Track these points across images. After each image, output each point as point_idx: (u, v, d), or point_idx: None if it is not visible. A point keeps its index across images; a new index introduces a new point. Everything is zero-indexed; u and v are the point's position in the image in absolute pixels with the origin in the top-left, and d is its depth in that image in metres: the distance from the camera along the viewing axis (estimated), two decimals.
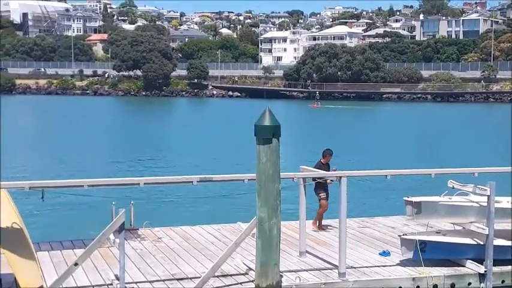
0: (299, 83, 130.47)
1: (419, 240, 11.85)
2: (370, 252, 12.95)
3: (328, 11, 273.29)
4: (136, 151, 40.96)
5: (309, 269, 11.67)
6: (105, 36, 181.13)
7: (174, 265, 11.88)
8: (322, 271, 11.58)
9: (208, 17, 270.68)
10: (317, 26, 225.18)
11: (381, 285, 11.22)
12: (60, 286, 10.14)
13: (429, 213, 12.36)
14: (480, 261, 11.78)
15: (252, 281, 10.67)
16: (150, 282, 10.91)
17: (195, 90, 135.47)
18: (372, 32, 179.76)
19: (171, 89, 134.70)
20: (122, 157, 38.11)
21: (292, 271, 11.48)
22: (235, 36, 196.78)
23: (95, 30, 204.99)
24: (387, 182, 13.20)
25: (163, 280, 10.99)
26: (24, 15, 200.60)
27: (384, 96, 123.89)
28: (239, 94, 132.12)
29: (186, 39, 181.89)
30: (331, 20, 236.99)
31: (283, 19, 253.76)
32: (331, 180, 14.00)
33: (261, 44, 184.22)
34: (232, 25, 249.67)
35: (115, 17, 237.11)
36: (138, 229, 14.39)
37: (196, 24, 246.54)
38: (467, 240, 12.14)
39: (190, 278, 11.02)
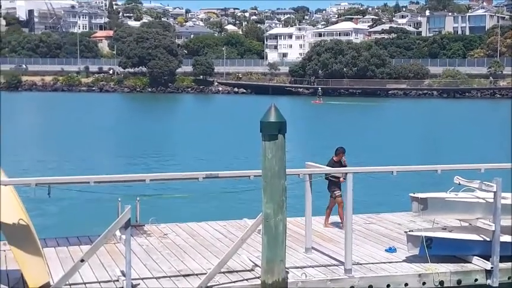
0: (305, 80, 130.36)
1: (425, 236, 11.82)
2: (376, 248, 12.93)
3: (334, 7, 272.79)
4: (142, 147, 41.01)
5: (315, 265, 11.67)
6: (110, 33, 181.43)
7: (180, 261, 11.89)
8: (328, 267, 11.57)
9: (213, 13, 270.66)
10: (323, 22, 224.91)
11: (387, 282, 11.20)
12: (67, 282, 10.16)
13: (435, 210, 12.32)
14: (486, 257, 11.74)
15: (258, 278, 10.67)
16: (156, 278, 10.93)
17: (201, 87, 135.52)
18: (378, 28, 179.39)
19: (176, 85, 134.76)
20: (128, 153, 38.16)
21: (298, 267, 11.47)
22: (240, 32, 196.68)
23: (101, 27, 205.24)
24: (393, 178, 13.17)
25: (170, 276, 11.00)
26: (30, 12, 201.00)
27: (390, 92, 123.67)
28: (244, 90, 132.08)
29: (192, 35, 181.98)
30: (336, 16, 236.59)
31: (288, 15, 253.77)
32: (344, 178, 14.04)
33: (266, 41, 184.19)
34: (237, 21, 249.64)
35: (120, 13, 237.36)
36: (144, 225, 14.41)
37: (202, 20, 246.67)
38: (474, 237, 12.11)
39: (196, 275, 11.03)
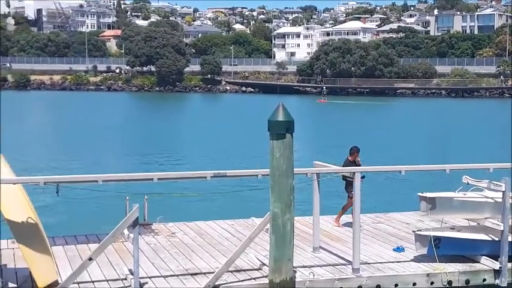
0: (312, 79, 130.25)
1: (433, 236, 11.78)
2: (384, 248, 12.90)
3: (342, 6, 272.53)
4: (150, 146, 41.09)
5: (323, 265, 11.65)
6: (118, 32, 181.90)
7: (188, 260, 11.90)
8: (336, 267, 11.55)
9: (221, 12, 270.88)
10: (331, 22, 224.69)
11: (395, 281, 11.18)
12: (75, 280, 10.18)
13: (444, 209, 12.28)
14: (495, 257, 11.69)
15: (266, 277, 10.67)
16: (164, 277, 10.94)
17: (209, 86, 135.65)
18: (386, 27, 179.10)
19: (184, 84, 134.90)
20: (136, 152, 38.24)
21: (306, 266, 11.46)
22: (248, 31, 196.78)
23: (109, 26, 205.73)
24: (401, 177, 13.16)
25: (177, 275, 11.01)
26: (39, 11, 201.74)
27: (398, 91, 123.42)
28: (252, 90, 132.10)
29: (200, 35, 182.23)
30: (344, 15, 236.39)
31: (296, 14, 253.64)
32: (362, 177, 14.03)
33: (274, 40, 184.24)
34: (245, 21, 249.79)
35: (128, 12, 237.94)
36: (152, 224, 14.42)
37: (210, 19, 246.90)
38: (482, 236, 12.06)
39: (204, 273, 11.03)
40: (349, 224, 14.59)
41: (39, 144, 43.11)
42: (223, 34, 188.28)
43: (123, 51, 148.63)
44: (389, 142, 44.35)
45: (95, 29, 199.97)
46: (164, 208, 17.21)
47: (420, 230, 12.33)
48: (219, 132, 51.45)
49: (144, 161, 34.14)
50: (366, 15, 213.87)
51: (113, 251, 12.03)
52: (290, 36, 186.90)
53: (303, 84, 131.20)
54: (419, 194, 12.34)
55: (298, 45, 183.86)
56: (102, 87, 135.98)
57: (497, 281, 11.59)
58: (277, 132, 10.12)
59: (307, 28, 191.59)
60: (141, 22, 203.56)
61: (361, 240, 11.64)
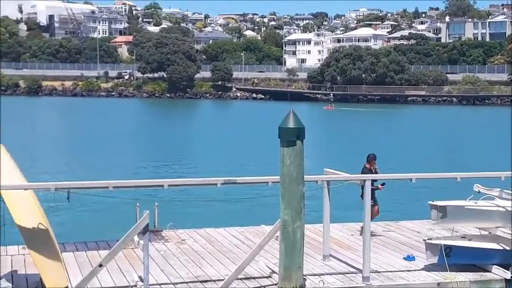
0: (323, 86, 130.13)
1: (444, 244, 11.73)
2: (395, 256, 12.84)
3: (353, 13, 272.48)
4: (160, 153, 41.17)
5: (333, 273, 11.62)
6: (130, 38, 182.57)
7: (198, 267, 11.89)
8: (346, 275, 11.52)
9: (232, 19, 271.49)
10: (341, 28, 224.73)
11: None
12: (85, 287, 10.20)
13: (455, 218, 12.22)
14: (506, 266, 11.62)
15: (276, 284, 10.65)
16: (174, 284, 10.94)
17: (219, 92, 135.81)
18: (397, 34, 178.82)
19: (195, 91, 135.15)
20: (147, 159, 38.32)
21: (315, 275, 11.43)
22: (259, 38, 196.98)
23: (120, 32, 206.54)
24: (412, 185, 13.10)
25: (187, 282, 11.01)
26: (51, 17, 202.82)
27: (409, 99, 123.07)
28: (263, 96, 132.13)
29: (211, 41, 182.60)
30: (355, 22, 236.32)
31: (307, 21, 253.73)
32: (383, 184, 13.97)
33: (285, 46, 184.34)
34: (256, 27, 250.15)
35: (140, 19, 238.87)
36: (162, 231, 14.42)
37: (221, 26, 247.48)
38: (493, 245, 11.99)
39: (214, 281, 11.02)
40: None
41: (50, 150, 43.28)
42: (234, 40, 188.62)
43: (134, 57, 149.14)
44: (400, 150, 44.21)
45: (107, 35, 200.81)
46: (174, 215, 17.22)
47: (431, 239, 12.27)
48: (230, 139, 51.49)
49: (155, 168, 34.21)
50: (377, 22, 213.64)
51: (123, 258, 12.04)
52: (301, 42, 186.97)
53: (314, 91, 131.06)
54: (430, 202, 12.29)
55: (309, 51, 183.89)
56: (113, 93, 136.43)
57: None
58: (287, 139, 10.12)
59: (318, 35, 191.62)
60: (152, 28, 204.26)
61: (371, 248, 11.60)
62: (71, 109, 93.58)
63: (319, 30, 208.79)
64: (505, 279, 11.54)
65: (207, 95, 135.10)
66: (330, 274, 11.52)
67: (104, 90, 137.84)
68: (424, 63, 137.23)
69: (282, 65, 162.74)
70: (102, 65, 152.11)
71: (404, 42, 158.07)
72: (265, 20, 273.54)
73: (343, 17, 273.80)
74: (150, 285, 10.37)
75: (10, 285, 10.61)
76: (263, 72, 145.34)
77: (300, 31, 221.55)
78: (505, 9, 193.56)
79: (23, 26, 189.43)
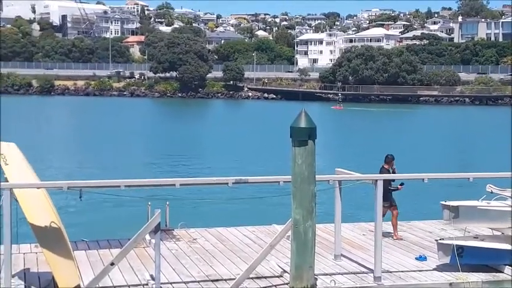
0: (334, 86, 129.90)
1: (456, 245, 11.68)
2: (407, 256, 12.80)
3: (365, 13, 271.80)
4: (172, 152, 41.24)
5: (344, 273, 11.60)
6: (142, 38, 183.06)
7: (209, 266, 11.90)
8: (357, 275, 11.49)
9: (244, 19, 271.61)
10: (353, 28, 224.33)
11: None
12: (97, 285, 10.24)
13: (467, 218, 12.18)
14: None
15: (287, 284, 10.64)
16: (185, 283, 10.95)
17: (231, 92, 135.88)
18: (409, 34, 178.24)
19: (206, 90, 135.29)
20: (158, 158, 38.41)
21: (327, 274, 11.41)
22: (271, 38, 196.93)
23: (132, 32, 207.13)
24: (424, 185, 13.05)
25: (198, 281, 11.02)
26: (64, 17, 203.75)
27: (421, 99, 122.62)
28: (274, 96, 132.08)
29: (222, 41, 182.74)
30: (367, 22, 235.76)
31: (319, 21, 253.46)
32: (401, 184, 13.89)
33: (296, 46, 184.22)
34: (268, 27, 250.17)
35: (152, 19, 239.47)
36: (173, 230, 14.45)
37: (233, 26, 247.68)
38: (506, 246, 11.93)
39: (225, 280, 11.03)
40: (386, 234, 14.32)
41: (63, 148, 43.47)
42: (246, 40, 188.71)
43: (146, 57, 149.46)
44: (412, 149, 44.04)
45: (119, 35, 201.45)
46: (186, 214, 17.25)
47: (443, 239, 12.22)
48: (241, 138, 51.51)
49: (166, 167, 34.28)
50: (389, 22, 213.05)
51: (134, 257, 12.07)
52: (313, 42, 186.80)
53: (325, 91, 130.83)
54: (442, 202, 12.25)
55: (321, 51, 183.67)
56: (125, 92, 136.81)
57: None
58: (299, 139, 10.11)
59: (330, 35, 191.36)
60: (164, 28, 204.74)
61: (383, 248, 11.57)
62: (83, 108, 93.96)
63: (331, 30, 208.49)
64: None
65: (219, 94, 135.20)
66: (341, 274, 11.51)
67: (115, 90, 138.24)
68: (437, 64, 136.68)
69: (293, 65, 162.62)
70: (114, 65, 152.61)
71: (417, 42, 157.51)
72: (277, 20, 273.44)
73: (355, 17, 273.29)
74: (162, 284, 10.40)
75: (23, 283, 10.67)
76: (274, 71, 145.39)
77: (311, 31, 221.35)
78: None
79: (35, 26, 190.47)
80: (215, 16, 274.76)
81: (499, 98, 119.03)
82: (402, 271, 11.77)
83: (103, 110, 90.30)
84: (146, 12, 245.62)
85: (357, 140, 51.62)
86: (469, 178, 12.15)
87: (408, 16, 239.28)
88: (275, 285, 10.82)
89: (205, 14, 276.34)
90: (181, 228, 14.64)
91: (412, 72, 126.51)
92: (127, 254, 10.44)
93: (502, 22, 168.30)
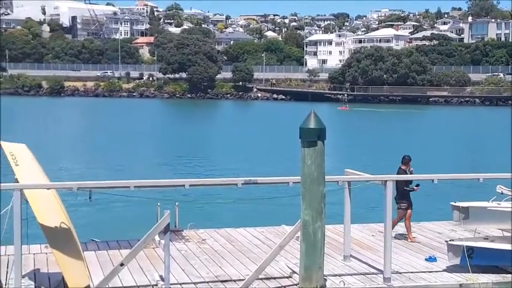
0: (344, 86, 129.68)
1: (466, 246, 11.65)
2: (416, 257, 12.78)
3: (375, 13, 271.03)
4: (181, 153, 41.28)
5: (354, 273, 11.59)
6: (151, 39, 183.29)
7: (218, 267, 11.92)
8: (366, 275, 11.48)
9: (253, 19, 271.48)
10: (363, 29, 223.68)
11: None
12: (106, 286, 10.27)
13: (477, 219, 12.15)
14: None
15: (296, 285, 10.64)
16: (195, 283, 10.97)
17: (240, 93, 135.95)
18: (419, 35, 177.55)
19: (216, 91, 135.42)
20: (168, 159, 38.45)
21: (336, 275, 11.41)
22: (280, 39, 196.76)
23: (142, 33, 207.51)
24: (434, 186, 13.01)
25: (208, 282, 11.04)
26: (73, 18, 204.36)
27: (431, 99, 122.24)
28: (284, 97, 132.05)
29: (232, 42, 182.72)
30: (377, 22, 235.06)
31: (328, 22, 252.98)
32: (417, 185, 13.87)
33: (306, 47, 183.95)
34: (277, 28, 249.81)
35: (161, 20, 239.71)
36: (182, 231, 14.48)
37: (242, 27, 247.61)
38: None
39: (234, 280, 11.04)
40: (398, 236, 14.30)
41: (72, 149, 43.61)
42: (255, 41, 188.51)
43: (155, 58, 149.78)
44: (422, 150, 43.89)
45: (128, 36, 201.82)
46: (195, 215, 17.27)
47: (453, 240, 12.19)
48: (250, 139, 51.50)
49: (176, 168, 34.31)
50: (399, 23, 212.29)
51: (144, 257, 12.11)
52: (322, 43, 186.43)
53: (335, 92, 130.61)
54: (452, 203, 12.22)
55: (330, 52, 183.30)
56: (134, 93, 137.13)
57: None
58: (308, 140, 10.11)
59: (339, 35, 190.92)
60: (173, 29, 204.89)
61: (392, 249, 11.55)
62: (92, 109, 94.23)
63: (340, 31, 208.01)
64: None
65: (228, 95, 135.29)
66: (350, 274, 11.50)
67: (125, 91, 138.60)
68: (447, 64, 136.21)
69: (303, 66, 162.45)
70: (123, 66, 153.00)
71: (427, 42, 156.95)
72: (286, 20, 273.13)
73: (364, 18, 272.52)
74: (171, 284, 10.42)
75: (33, 283, 10.71)
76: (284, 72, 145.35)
77: (321, 32, 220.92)
78: None
79: (45, 28, 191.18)
80: (224, 17, 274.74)
81: (509, 99, 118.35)
82: (412, 272, 11.75)
83: (112, 111, 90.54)
84: (156, 13, 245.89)
85: (366, 140, 51.51)
86: (479, 179, 12.10)
87: (418, 16, 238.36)
88: (284, 286, 10.82)
89: (215, 15, 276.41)
90: (190, 229, 14.67)
91: (421, 72, 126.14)
92: (136, 254, 10.47)
93: None
